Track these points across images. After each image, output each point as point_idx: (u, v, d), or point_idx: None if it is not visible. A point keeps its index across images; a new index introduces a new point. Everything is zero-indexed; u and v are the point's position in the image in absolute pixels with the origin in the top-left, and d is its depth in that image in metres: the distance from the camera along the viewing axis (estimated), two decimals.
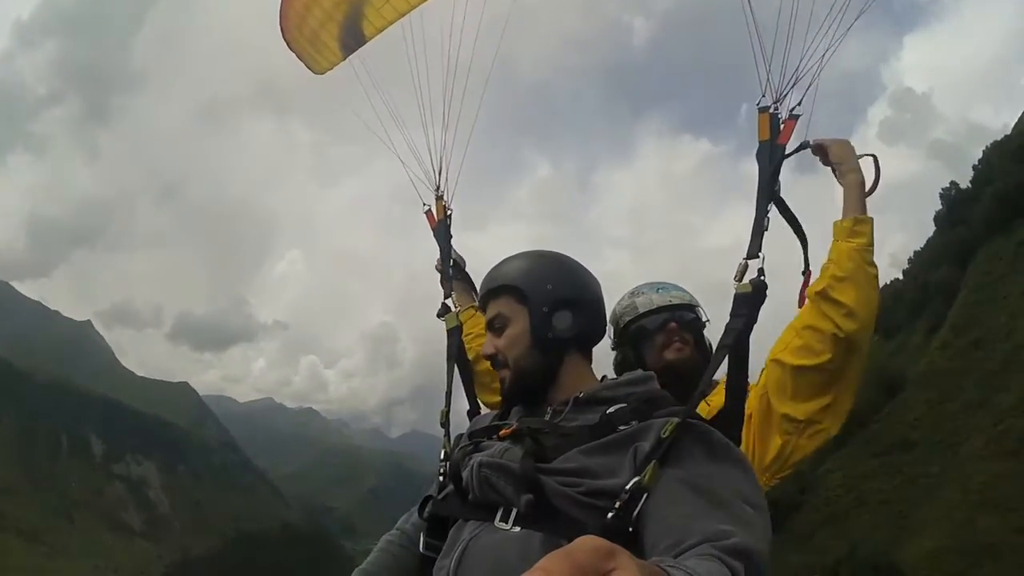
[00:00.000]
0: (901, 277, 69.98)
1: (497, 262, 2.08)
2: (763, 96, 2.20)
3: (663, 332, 2.62)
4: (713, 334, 2.36)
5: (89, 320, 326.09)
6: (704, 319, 2.74)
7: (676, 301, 2.68)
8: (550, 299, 1.95)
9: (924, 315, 54.92)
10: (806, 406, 2.17)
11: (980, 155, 61.45)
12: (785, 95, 2.19)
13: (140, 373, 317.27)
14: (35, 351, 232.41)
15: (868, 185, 2.30)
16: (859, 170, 2.30)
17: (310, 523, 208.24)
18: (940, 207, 64.47)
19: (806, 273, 2.34)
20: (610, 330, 2.76)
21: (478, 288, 2.20)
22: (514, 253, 2.09)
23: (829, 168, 2.37)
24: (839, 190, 2.32)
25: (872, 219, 2.22)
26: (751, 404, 2.18)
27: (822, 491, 42.61)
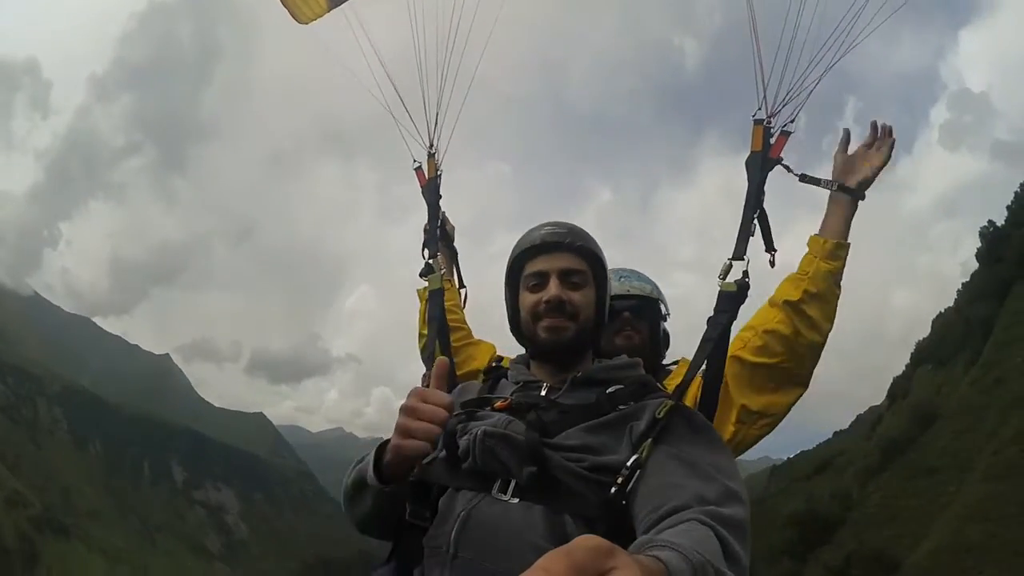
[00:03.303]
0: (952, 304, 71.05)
1: (562, 220, 2.13)
2: (759, 109, 2.30)
3: (616, 319, 2.72)
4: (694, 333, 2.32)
5: (168, 354, 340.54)
6: (665, 312, 2.95)
7: (635, 291, 2.86)
8: (609, 286, 2.13)
9: (966, 349, 58.26)
10: (760, 398, 2.31)
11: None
12: (779, 111, 2.30)
13: (218, 404, 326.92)
14: (118, 383, 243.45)
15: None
16: (858, 195, 2.40)
17: (386, 551, 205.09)
18: (984, 240, 65.08)
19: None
20: None
21: (541, 233, 2.09)
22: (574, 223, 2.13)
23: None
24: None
25: (850, 245, 2.34)
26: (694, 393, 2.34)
27: (864, 509, 49.08)
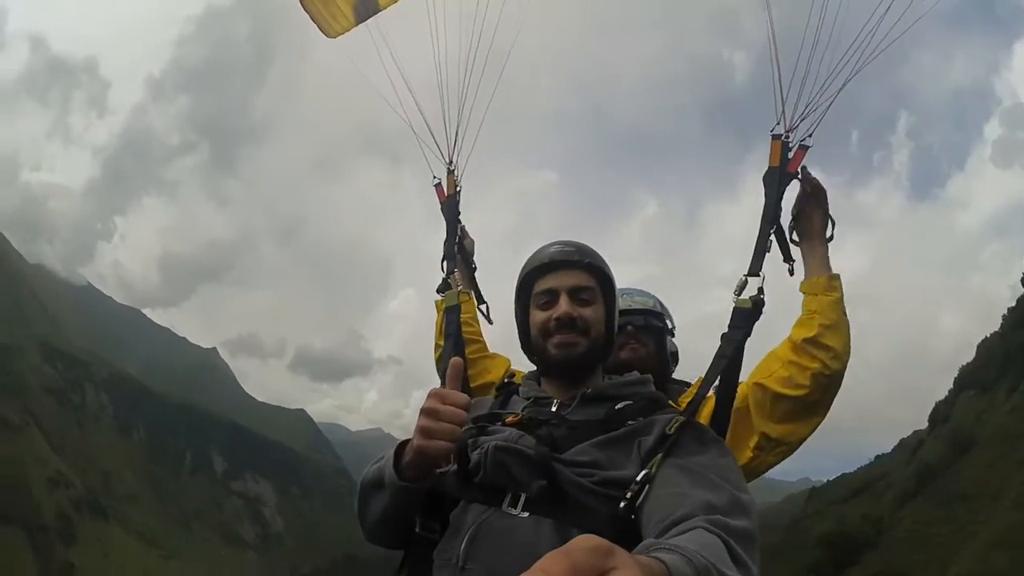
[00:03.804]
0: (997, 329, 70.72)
1: (568, 238, 2.17)
2: (777, 124, 2.33)
3: (622, 333, 2.72)
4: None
5: (215, 348, 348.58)
6: (670, 326, 3.01)
7: (637, 306, 2.92)
8: (617, 303, 2.16)
9: (1008, 375, 58.09)
10: (781, 427, 2.32)
11: None
12: (797, 126, 2.32)
13: (260, 399, 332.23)
14: (164, 374, 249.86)
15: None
16: (824, 233, 2.45)
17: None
18: None
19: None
20: None
21: (550, 252, 2.14)
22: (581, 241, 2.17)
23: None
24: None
25: (840, 275, 2.39)
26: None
27: (894, 533, 50.44)
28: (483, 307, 3.01)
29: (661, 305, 3.01)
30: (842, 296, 2.36)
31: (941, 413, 71.18)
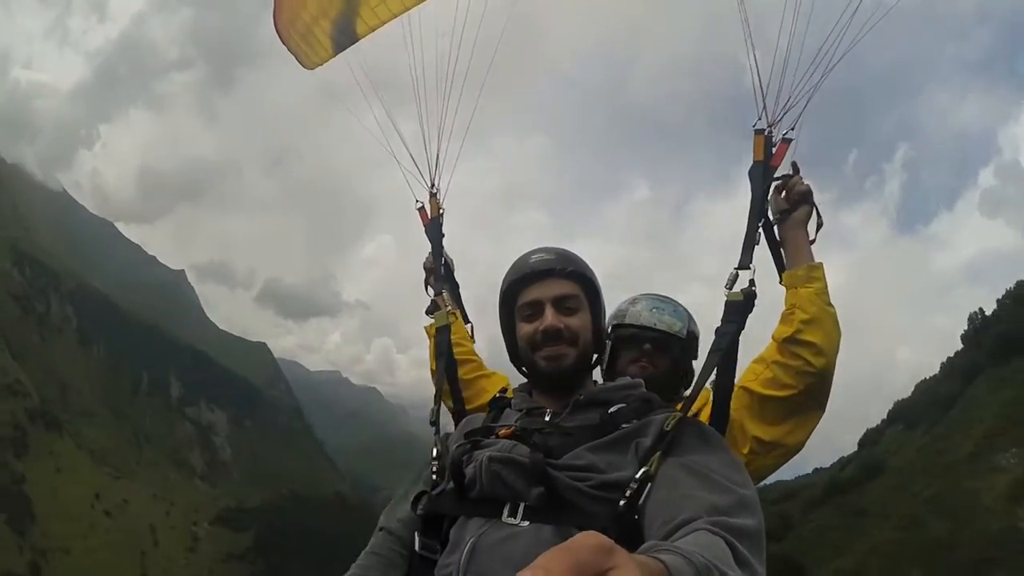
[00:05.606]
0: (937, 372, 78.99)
1: (551, 245, 2.15)
2: (759, 119, 2.31)
3: (637, 347, 2.78)
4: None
5: (183, 270, 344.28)
6: (695, 351, 2.88)
7: (661, 327, 2.81)
8: (603, 307, 2.16)
9: (928, 419, 66.47)
10: (772, 430, 2.31)
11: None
12: (779, 120, 2.30)
13: (223, 327, 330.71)
14: (130, 291, 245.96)
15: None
16: (806, 224, 2.43)
17: (359, 497, 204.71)
18: (970, 324, 71.83)
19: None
20: None
21: (532, 264, 2.12)
22: (563, 247, 2.14)
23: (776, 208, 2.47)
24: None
25: (822, 264, 2.33)
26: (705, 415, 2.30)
27: (798, 532, 57.87)
28: (468, 326, 3.01)
29: (692, 323, 2.90)
30: (825, 286, 2.29)
31: (869, 439, 78.59)
